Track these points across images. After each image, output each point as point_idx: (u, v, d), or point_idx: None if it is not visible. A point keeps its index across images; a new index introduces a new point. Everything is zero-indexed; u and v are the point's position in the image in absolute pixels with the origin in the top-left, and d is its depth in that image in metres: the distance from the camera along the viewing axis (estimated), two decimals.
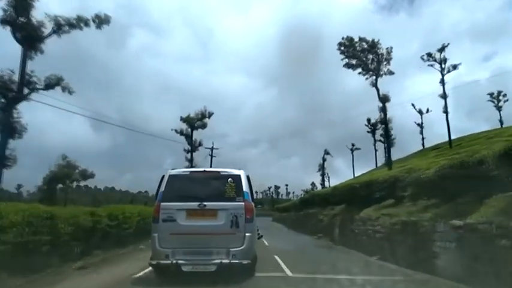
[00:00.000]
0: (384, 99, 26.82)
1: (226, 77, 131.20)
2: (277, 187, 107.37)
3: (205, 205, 6.60)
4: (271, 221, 49.63)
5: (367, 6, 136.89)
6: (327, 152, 57.89)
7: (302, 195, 57.02)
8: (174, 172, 7.20)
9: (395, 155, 33.33)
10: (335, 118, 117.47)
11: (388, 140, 29.49)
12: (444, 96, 30.42)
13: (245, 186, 6.89)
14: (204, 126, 33.02)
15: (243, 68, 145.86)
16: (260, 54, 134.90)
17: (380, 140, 43.46)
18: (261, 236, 10.52)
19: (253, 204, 7.02)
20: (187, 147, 32.65)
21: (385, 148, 38.66)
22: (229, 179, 6.89)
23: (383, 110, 27.10)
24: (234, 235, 6.49)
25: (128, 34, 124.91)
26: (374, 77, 27.39)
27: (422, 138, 45.34)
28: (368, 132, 47.52)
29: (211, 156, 37.49)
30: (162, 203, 6.68)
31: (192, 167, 25.80)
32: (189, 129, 32.48)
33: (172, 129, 32.87)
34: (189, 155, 32.35)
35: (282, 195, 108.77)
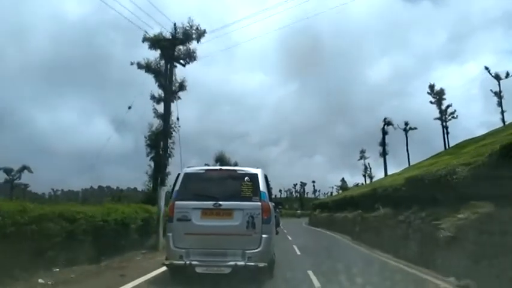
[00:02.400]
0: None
1: (246, 75, 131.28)
2: (303, 184, 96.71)
3: (220, 204, 6.36)
4: (307, 224, 37.22)
5: None
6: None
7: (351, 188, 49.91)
8: (189, 170, 7.03)
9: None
10: (360, 115, 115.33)
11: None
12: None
13: (262, 186, 6.60)
14: (190, 55, 18.42)
15: (261, 66, 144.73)
16: (278, 49, 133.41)
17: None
18: (277, 232, 10.00)
19: (270, 204, 6.73)
20: (159, 92, 18.93)
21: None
22: (246, 178, 6.61)
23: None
24: (250, 236, 6.21)
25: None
26: None
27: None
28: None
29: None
30: (177, 202, 6.52)
31: (166, 127, 17.62)
32: (162, 60, 18.17)
33: (132, 63, 18.66)
34: (159, 107, 18.83)
35: (307, 193, 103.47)
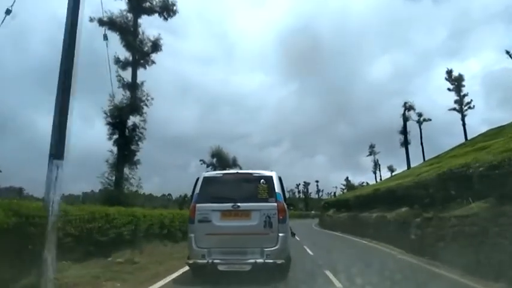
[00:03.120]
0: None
1: (246, 76, 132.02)
2: (306, 184, 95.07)
3: (238, 206, 6.76)
4: (318, 226, 32.78)
5: None
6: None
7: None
8: (208, 174, 7.39)
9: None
10: (361, 114, 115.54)
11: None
12: None
13: (277, 187, 7.02)
14: (167, 8, 15.71)
15: (262, 66, 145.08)
16: (278, 49, 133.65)
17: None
18: (294, 234, 9.92)
19: (285, 205, 7.14)
20: (126, 54, 15.36)
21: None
22: (262, 181, 7.01)
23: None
24: (267, 235, 6.66)
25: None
26: None
27: None
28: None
29: None
30: (198, 204, 6.84)
31: (134, 100, 14.79)
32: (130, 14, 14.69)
33: (92, 19, 15.07)
34: (127, 74, 15.57)
35: (310, 193, 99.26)
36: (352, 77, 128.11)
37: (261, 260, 6.45)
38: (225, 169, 24.55)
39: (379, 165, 56.47)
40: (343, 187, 79.06)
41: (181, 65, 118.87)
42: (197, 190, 7.04)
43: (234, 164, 34.67)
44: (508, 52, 37.11)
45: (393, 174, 47.52)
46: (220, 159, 34.87)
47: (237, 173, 7.53)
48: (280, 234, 6.72)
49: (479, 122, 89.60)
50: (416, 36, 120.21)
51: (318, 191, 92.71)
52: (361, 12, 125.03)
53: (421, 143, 42.92)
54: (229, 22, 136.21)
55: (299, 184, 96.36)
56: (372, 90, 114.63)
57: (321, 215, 36.27)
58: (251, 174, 7.30)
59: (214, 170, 28.07)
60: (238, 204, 6.76)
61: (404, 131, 42.65)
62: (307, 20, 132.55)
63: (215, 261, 6.46)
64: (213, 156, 35.42)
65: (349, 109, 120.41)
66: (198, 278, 6.94)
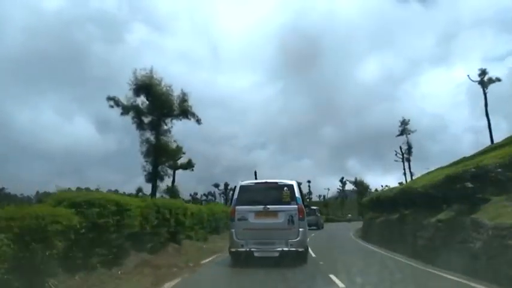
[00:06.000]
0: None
1: (233, 76, 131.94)
2: (298, 184, 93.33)
3: (268, 208, 8.85)
4: (362, 239, 19.56)
5: None
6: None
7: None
8: (243, 183, 9.55)
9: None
10: (349, 116, 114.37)
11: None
12: None
13: (297, 193, 9.09)
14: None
15: (249, 66, 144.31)
16: (264, 50, 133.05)
17: None
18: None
19: (304, 206, 9.21)
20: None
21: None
22: (285, 188, 9.08)
23: None
24: (290, 230, 8.73)
25: (126, 30, 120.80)
26: None
27: None
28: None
29: None
30: (237, 207, 9.01)
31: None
32: None
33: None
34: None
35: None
36: (341, 79, 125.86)
37: (286, 249, 8.56)
38: None
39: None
40: (339, 188, 77.19)
41: (165, 63, 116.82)
42: (235, 196, 9.24)
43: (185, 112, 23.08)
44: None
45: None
46: (154, 98, 21.69)
47: (266, 182, 9.62)
48: (300, 229, 8.78)
49: (463, 130, 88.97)
50: (405, 40, 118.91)
51: (309, 192, 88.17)
52: (349, 11, 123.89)
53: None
54: (214, 19, 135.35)
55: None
56: (360, 91, 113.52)
57: (366, 220, 23.77)
58: (276, 183, 9.39)
59: (138, 115, 22.01)
60: (268, 206, 8.86)
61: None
62: (295, 20, 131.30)
63: (252, 249, 8.63)
64: (137, 91, 21.65)
65: (338, 110, 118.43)
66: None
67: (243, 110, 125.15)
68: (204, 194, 79.66)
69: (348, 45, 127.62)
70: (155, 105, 21.59)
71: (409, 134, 44.33)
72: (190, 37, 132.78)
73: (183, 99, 22.55)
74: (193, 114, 23.10)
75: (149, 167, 21.80)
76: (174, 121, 22.87)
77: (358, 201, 56.91)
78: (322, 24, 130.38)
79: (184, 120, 23.25)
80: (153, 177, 21.62)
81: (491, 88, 34.27)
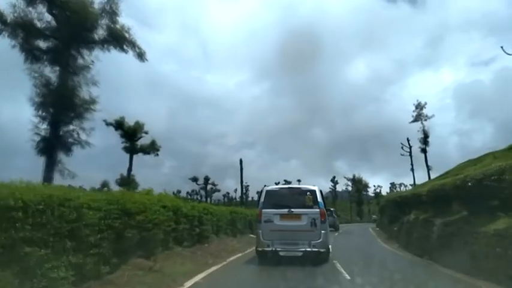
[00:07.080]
0: None
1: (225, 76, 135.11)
2: (288, 182, 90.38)
3: (292, 211, 9.59)
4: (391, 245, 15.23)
5: None
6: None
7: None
8: (269, 188, 10.35)
9: None
10: (339, 117, 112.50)
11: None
12: None
13: (319, 197, 9.81)
14: None
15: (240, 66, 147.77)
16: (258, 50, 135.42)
17: None
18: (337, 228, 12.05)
19: (325, 210, 9.92)
20: None
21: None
22: (308, 193, 9.81)
23: None
24: (313, 232, 9.44)
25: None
26: None
27: None
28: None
29: None
30: (263, 210, 9.79)
31: None
32: None
33: None
34: None
35: None
36: (329, 76, 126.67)
37: (309, 249, 9.28)
38: None
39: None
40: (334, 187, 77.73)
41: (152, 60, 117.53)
42: (262, 199, 10.05)
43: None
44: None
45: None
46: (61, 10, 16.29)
47: (290, 187, 10.41)
48: (322, 231, 9.48)
49: (448, 133, 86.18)
50: (395, 41, 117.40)
51: None
52: (338, 9, 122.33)
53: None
54: (203, 19, 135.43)
55: (278, 183, 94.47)
56: (349, 91, 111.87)
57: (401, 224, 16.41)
58: (300, 188, 10.13)
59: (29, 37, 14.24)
60: (292, 209, 9.60)
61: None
62: (286, 21, 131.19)
63: (277, 248, 9.40)
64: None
65: (326, 109, 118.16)
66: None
67: (232, 109, 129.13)
68: (188, 192, 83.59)
69: (337, 44, 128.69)
70: (62, 23, 13.90)
71: (425, 120, 36.92)
72: (179, 33, 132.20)
73: (113, 12, 14.65)
74: (132, 44, 15.38)
75: (47, 129, 13.97)
76: (98, 51, 14.98)
77: (377, 201, 53.73)
78: (312, 23, 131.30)
79: (116, 52, 15.33)
80: (50, 145, 13.80)
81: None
